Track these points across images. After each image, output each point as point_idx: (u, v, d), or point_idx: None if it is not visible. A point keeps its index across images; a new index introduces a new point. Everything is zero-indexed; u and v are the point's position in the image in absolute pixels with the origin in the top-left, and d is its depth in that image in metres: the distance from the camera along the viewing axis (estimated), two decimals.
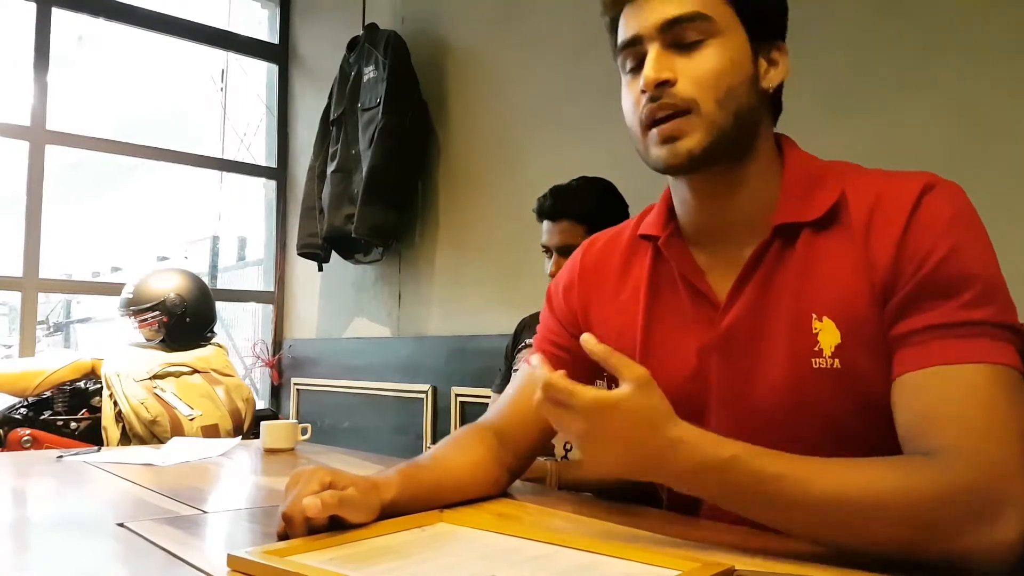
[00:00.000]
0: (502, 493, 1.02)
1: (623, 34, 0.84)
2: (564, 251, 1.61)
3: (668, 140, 0.81)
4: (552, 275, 1.60)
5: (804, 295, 0.81)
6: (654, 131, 0.82)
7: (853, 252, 0.79)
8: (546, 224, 1.65)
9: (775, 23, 0.88)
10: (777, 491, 0.69)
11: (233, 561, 0.66)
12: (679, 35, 0.80)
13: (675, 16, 0.80)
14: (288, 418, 3.32)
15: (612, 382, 0.91)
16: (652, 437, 0.71)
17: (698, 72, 0.80)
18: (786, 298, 0.82)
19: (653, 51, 0.81)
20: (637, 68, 0.83)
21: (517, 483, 1.11)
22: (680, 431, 0.71)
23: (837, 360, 0.78)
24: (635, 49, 0.83)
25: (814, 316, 0.79)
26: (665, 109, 0.80)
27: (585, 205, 1.60)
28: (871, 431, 0.78)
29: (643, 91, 0.81)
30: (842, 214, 0.81)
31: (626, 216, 1.65)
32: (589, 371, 0.99)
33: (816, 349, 0.79)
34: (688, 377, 0.87)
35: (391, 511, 0.82)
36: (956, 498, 0.66)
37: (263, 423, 1.63)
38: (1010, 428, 0.68)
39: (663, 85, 0.80)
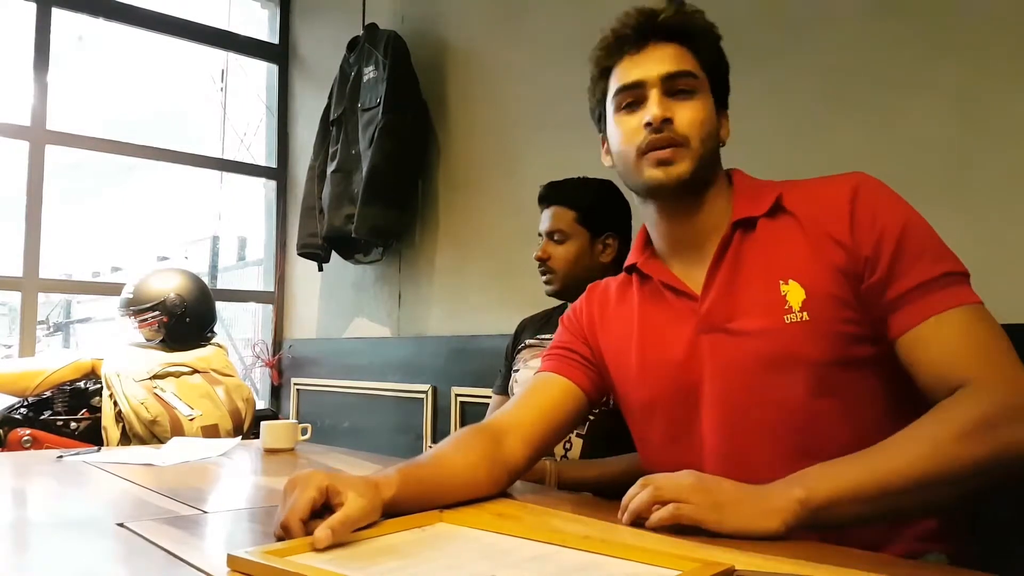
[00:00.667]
0: (502, 493, 1.02)
1: (625, 78, 1.01)
2: (552, 235, 1.62)
3: (663, 163, 0.98)
4: (537, 258, 1.63)
5: (770, 266, 0.96)
6: (651, 155, 0.99)
7: (805, 233, 0.95)
8: (543, 212, 1.66)
9: (726, 95, 1.07)
10: (864, 489, 0.80)
11: (233, 561, 0.66)
12: (674, 86, 0.99)
13: (675, 71, 0.99)
14: (288, 418, 3.32)
15: (615, 407, 1.13)
16: (741, 487, 0.84)
17: (690, 116, 0.99)
18: (756, 271, 0.97)
19: (656, 95, 0.99)
20: (633, 106, 1.01)
21: (517, 483, 1.11)
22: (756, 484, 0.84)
23: (806, 313, 0.92)
24: (636, 91, 1.00)
25: (781, 281, 0.94)
26: (664, 140, 0.98)
27: (578, 193, 1.62)
28: (845, 377, 0.91)
29: (648, 124, 0.98)
30: (786, 207, 0.98)
31: (627, 214, 1.65)
32: (595, 375, 1.12)
33: (787, 307, 0.93)
34: (683, 361, 0.99)
35: (391, 510, 0.82)
36: (1005, 411, 0.80)
37: (263, 423, 1.63)
38: (1004, 348, 0.85)
39: (666, 122, 0.97)
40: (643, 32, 1.01)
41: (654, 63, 1.00)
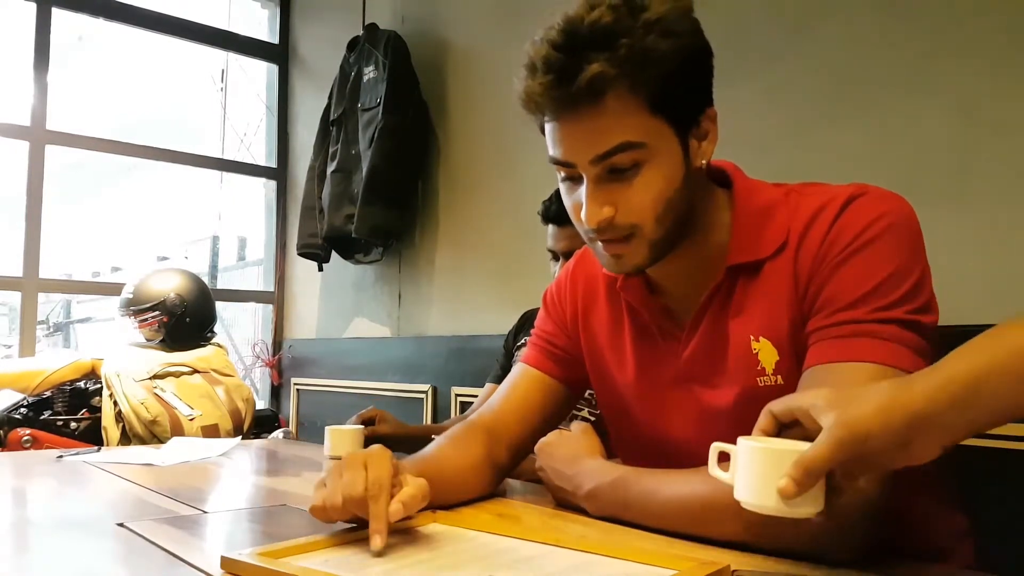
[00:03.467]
0: (496, 492, 1.03)
1: (554, 150, 0.82)
2: (571, 256, 1.58)
3: (614, 256, 0.84)
4: None
5: (743, 320, 0.85)
6: (598, 244, 0.84)
7: (786, 271, 0.83)
8: (551, 228, 1.60)
9: (703, 100, 0.83)
10: (635, 498, 0.83)
11: (226, 563, 0.66)
12: (611, 164, 0.79)
13: (605, 151, 0.78)
14: (288, 419, 3.32)
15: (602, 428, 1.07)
16: (571, 461, 0.92)
17: (635, 202, 0.80)
18: (732, 326, 0.86)
19: (589, 186, 0.80)
20: (571, 180, 0.84)
21: (516, 483, 1.11)
22: (590, 461, 0.91)
23: (779, 376, 0.83)
24: (567, 169, 0.82)
25: (751, 338, 0.84)
26: (608, 236, 0.82)
27: None
28: None
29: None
30: (789, 241, 0.84)
31: None
32: (579, 369, 1.07)
33: (759, 368, 0.84)
34: (663, 403, 0.94)
35: None
36: None
37: (327, 428, 1.52)
38: None
39: (603, 221, 0.81)
40: (556, 101, 0.78)
41: (580, 138, 0.79)
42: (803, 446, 0.60)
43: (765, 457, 0.61)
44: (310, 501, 0.76)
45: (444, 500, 0.91)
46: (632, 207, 0.80)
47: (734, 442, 0.84)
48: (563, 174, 0.84)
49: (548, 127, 0.82)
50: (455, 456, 0.97)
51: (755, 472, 0.61)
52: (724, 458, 0.66)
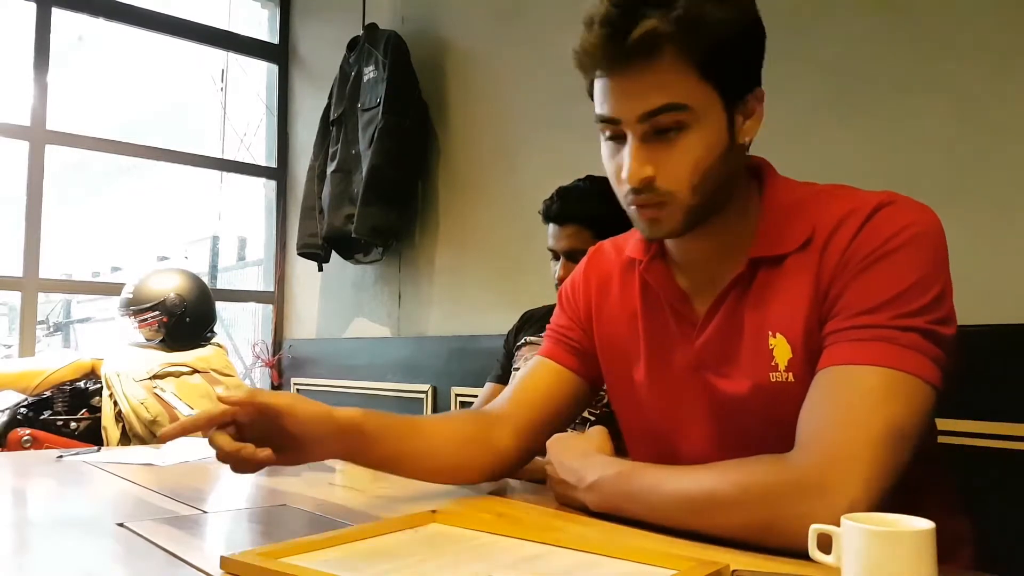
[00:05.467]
0: (496, 492, 1.03)
1: (601, 107, 0.84)
2: (571, 255, 1.56)
3: (650, 221, 0.86)
4: (560, 279, 1.57)
5: (762, 314, 0.86)
6: (635, 209, 0.86)
7: (809, 270, 0.84)
8: (552, 227, 1.60)
9: (751, 77, 0.86)
10: (639, 491, 0.83)
11: (226, 563, 0.66)
12: (657, 123, 0.81)
13: (652, 109, 0.80)
14: None
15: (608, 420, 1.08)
16: (580, 455, 0.92)
17: (676, 165, 0.82)
18: (749, 318, 0.87)
19: (633, 144, 0.82)
20: (614, 140, 0.86)
21: (516, 483, 1.11)
22: (599, 456, 0.91)
23: (791, 374, 0.84)
24: (614, 126, 0.84)
25: (769, 333, 0.85)
26: (646, 200, 0.84)
27: (592, 208, 1.54)
28: None
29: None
30: (814, 238, 0.85)
31: None
32: (593, 363, 1.07)
33: (773, 364, 0.85)
34: (674, 391, 0.95)
35: (348, 440, 0.90)
36: (787, 488, 0.73)
37: None
38: (861, 424, 0.73)
39: (644, 180, 0.82)
40: (610, 55, 0.80)
41: (629, 95, 0.81)
42: (918, 524, 0.59)
43: (882, 540, 0.59)
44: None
45: (421, 466, 0.97)
46: (671, 171, 0.82)
47: (746, 434, 0.86)
48: (608, 133, 0.86)
49: (598, 84, 0.84)
50: (443, 429, 1.01)
51: (872, 556, 0.59)
52: (824, 540, 0.63)
